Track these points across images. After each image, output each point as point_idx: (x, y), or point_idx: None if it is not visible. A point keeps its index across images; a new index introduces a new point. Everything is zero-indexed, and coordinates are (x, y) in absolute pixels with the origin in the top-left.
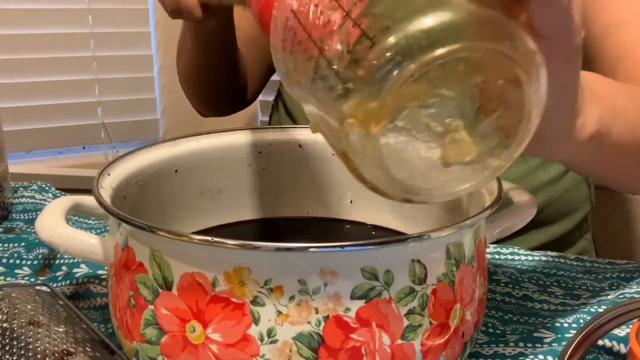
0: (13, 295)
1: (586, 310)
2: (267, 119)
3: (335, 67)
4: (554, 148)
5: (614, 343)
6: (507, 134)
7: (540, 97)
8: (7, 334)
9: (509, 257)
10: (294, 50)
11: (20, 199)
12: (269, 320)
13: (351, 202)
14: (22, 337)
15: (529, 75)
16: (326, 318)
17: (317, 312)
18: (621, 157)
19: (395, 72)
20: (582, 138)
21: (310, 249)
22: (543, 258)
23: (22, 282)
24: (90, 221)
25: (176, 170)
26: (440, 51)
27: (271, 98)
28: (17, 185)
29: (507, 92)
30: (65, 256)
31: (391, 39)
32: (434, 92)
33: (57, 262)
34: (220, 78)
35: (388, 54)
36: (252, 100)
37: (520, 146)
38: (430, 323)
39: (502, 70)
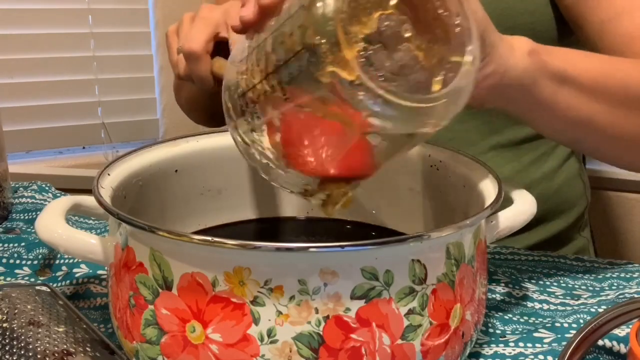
0: (13, 295)
1: (586, 310)
2: None
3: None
4: (497, 68)
5: (614, 343)
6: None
7: None
8: (7, 334)
9: (509, 257)
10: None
11: (20, 199)
12: (269, 320)
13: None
14: (22, 337)
15: None
16: (326, 318)
17: (317, 312)
18: (582, 97)
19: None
20: (519, 54)
21: (310, 249)
22: (543, 258)
23: (22, 282)
24: (90, 221)
25: (176, 170)
26: None
27: None
28: (17, 185)
29: None
30: (65, 256)
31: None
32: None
33: (57, 262)
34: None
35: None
36: None
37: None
38: (430, 323)
39: None
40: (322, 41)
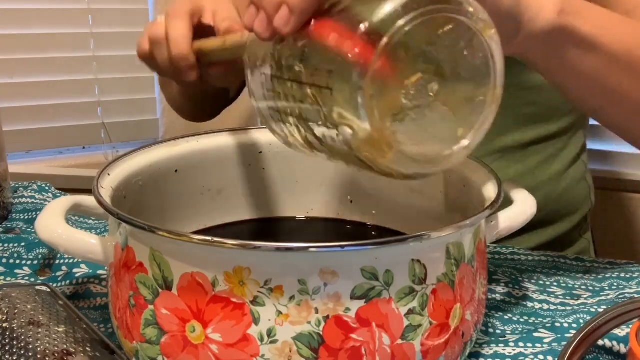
0: (13, 295)
1: (586, 310)
2: None
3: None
4: (521, 37)
5: (614, 343)
6: (479, 71)
7: (482, 18)
8: (7, 334)
9: (509, 257)
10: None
11: (20, 199)
12: (269, 320)
13: (351, 202)
14: (22, 337)
15: (461, 9)
16: (326, 318)
17: (317, 312)
18: (608, 65)
19: (355, 96)
20: (546, 15)
21: (310, 249)
22: (543, 258)
23: (22, 282)
24: (90, 221)
25: (176, 170)
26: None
27: None
28: (17, 185)
29: (459, 37)
30: (65, 256)
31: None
32: (405, 78)
33: (57, 262)
34: (213, 105)
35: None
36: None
37: (498, 65)
38: (430, 323)
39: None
40: (352, 122)
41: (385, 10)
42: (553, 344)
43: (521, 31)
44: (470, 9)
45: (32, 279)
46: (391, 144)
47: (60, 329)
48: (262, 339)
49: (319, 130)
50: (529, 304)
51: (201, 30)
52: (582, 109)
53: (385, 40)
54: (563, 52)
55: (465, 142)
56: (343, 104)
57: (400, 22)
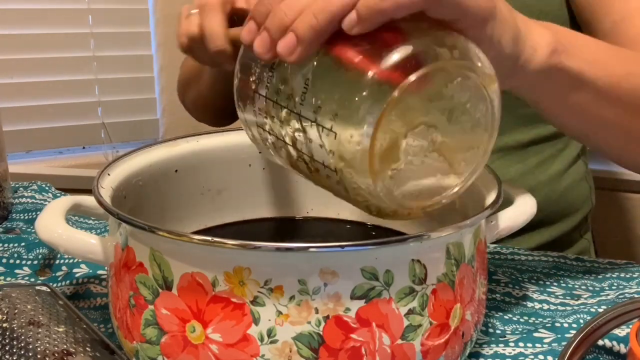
0: (13, 295)
1: (586, 310)
2: None
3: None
4: (515, 77)
5: (614, 343)
6: (477, 121)
7: (488, 73)
8: (7, 334)
9: (509, 257)
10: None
11: (20, 199)
12: (269, 320)
13: None
14: (22, 337)
15: (472, 65)
16: (326, 318)
17: (317, 312)
18: (596, 97)
19: (366, 141)
20: (539, 58)
21: (310, 249)
22: (543, 258)
23: (22, 282)
24: (90, 221)
25: (176, 170)
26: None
27: None
28: (17, 185)
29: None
30: (65, 256)
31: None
32: (407, 127)
33: (57, 262)
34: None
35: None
36: None
37: (494, 122)
38: (430, 323)
39: (450, 74)
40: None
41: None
42: (553, 344)
43: (517, 70)
44: (479, 64)
45: (32, 279)
46: (389, 191)
47: (60, 329)
48: (262, 339)
49: (315, 165)
50: (529, 304)
51: (238, 15)
52: (566, 134)
53: (412, 77)
54: (553, 89)
55: (455, 189)
56: (345, 147)
57: (425, 70)
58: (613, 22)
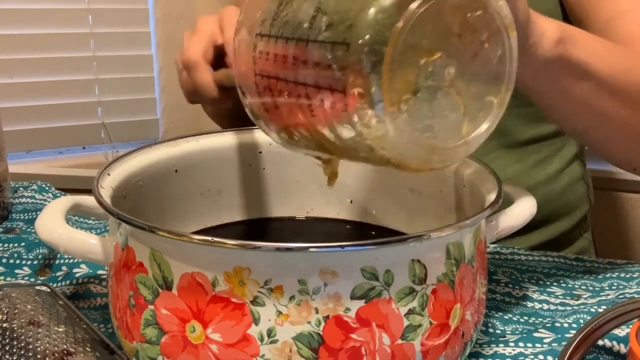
0: (13, 295)
1: (586, 310)
2: None
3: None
4: (522, 60)
5: (614, 343)
6: (494, 70)
7: (507, 15)
8: (7, 334)
9: (509, 257)
10: (280, 105)
11: (20, 199)
12: (269, 320)
13: (351, 202)
14: (22, 337)
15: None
16: (326, 318)
17: (317, 312)
18: (598, 90)
19: (373, 59)
20: (546, 45)
21: (310, 249)
22: (543, 258)
23: (22, 282)
24: (90, 221)
25: (176, 170)
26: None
27: None
28: (17, 185)
29: (479, 24)
30: (65, 256)
31: (361, 29)
32: (422, 54)
33: (57, 262)
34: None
35: (362, 42)
36: None
37: (511, 70)
38: (430, 323)
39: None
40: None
41: None
42: (553, 344)
43: (524, 53)
44: (501, 3)
45: (32, 279)
46: (396, 118)
47: (60, 329)
48: (262, 339)
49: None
50: (529, 304)
51: (222, 51)
52: (564, 129)
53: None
54: (557, 79)
55: (468, 139)
56: (356, 65)
57: None
58: (604, 20)
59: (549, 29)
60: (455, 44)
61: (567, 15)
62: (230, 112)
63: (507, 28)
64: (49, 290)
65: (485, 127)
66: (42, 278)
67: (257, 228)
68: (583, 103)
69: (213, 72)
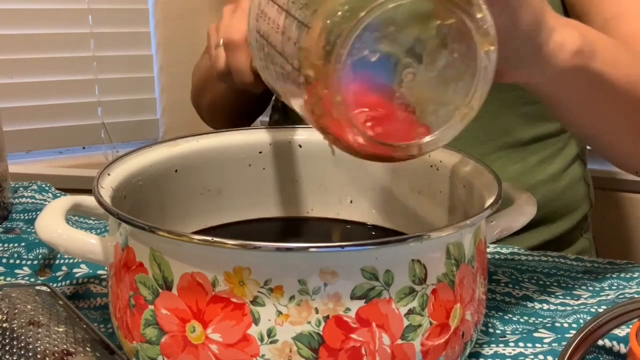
0: (13, 295)
1: (586, 310)
2: (267, 119)
3: (293, 64)
4: (537, 68)
5: (614, 343)
6: (462, 81)
7: (487, 29)
8: (7, 334)
9: (509, 257)
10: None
11: (20, 199)
12: (269, 320)
13: (351, 202)
14: (22, 337)
15: (471, 11)
16: (326, 318)
17: (317, 312)
18: (612, 98)
19: (327, 48)
20: (564, 55)
21: (310, 249)
22: (543, 258)
23: (22, 282)
24: (90, 221)
25: (176, 170)
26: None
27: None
28: (17, 185)
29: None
30: (65, 256)
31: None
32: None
33: (57, 262)
34: (252, 110)
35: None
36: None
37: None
38: (430, 323)
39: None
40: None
41: None
42: (553, 344)
43: (540, 61)
44: (479, 15)
45: (32, 279)
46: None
47: (60, 329)
48: (262, 339)
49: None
50: (529, 304)
51: None
52: (575, 134)
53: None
54: (573, 87)
55: (423, 141)
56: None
57: None
58: (604, 20)
59: (569, 40)
60: (418, 49)
61: (568, 13)
62: (232, 104)
63: (480, 43)
64: (49, 290)
65: (440, 136)
66: (42, 278)
67: (257, 228)
68: (595, 111)
69: (251, 56)
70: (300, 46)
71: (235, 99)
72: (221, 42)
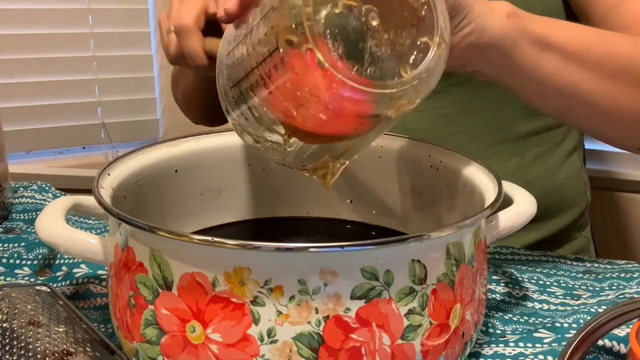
0: (13, 295)
1: (586, 310)
2: None
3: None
4: (476, 31)
5: (614, 343)
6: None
7: None
8: (7, 334)
9: (509, 257)
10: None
11: (20, 199)
12: (269, 320)
13: (351, 202)
14: (22, 337)
15: None
16: (326, 318)
17: (317, 312)
18: (565, 64)
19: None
20: (498, 15)
21: (310, 249)
22: (543, 258)
23: (22, 282)
24: (90, 221)
25: (176, 170)
26: None
27: None
28: (17, 185)
29: None
30: (65, 256)
31: None
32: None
33: (57, 262)
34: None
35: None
36: None
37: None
38: (430, 323)
39: None
40: (293, 39)
41: None
42: (553, 344)
43: (476, 28)
44: None
45: (32, 279)
46: (326, 64)
47: (60, 329)
48: (262, 339)
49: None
50: (529, 304)
51: (212, 20)
52: (547, 113)
53: None
54: (518, 53)
55: (411, 84)
56: (285, 20)
57: None
58: (606, 7)
59: (497, 5)
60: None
61: (568, 5)
62: (202, 98)
63: None
64: (49, 290)
65: (426, 65)
66: (42, 278)
67: (257, 228)
68: (552, 80)
69: (203, 39)
70: (272, 25)
71: (206, 90)
72: (172, 28)
